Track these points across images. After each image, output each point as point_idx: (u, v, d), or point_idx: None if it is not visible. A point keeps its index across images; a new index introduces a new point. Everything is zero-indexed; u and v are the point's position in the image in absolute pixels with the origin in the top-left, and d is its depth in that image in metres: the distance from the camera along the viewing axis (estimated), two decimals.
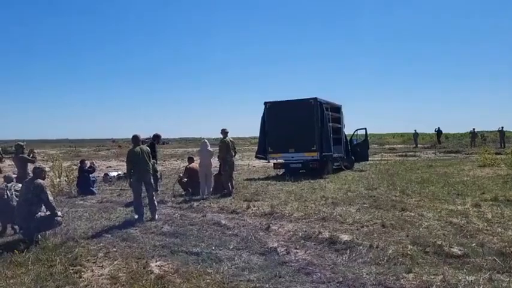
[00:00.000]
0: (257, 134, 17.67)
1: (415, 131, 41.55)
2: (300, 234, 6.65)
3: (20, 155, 10.13)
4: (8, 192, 7.43)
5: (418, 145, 39.77)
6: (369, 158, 20.37)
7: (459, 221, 7.07)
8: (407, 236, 6.24)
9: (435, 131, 41.37)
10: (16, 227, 7.50)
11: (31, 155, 10.44)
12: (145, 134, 11.29)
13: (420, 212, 7.99)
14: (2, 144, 10.53)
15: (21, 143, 10.45)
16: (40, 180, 6.74)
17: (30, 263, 5.53)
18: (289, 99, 16.44)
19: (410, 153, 29.42)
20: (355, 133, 20.24)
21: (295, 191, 11.47)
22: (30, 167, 10.09)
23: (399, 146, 42.70)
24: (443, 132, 42.83)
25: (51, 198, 6.75)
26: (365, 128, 19.55)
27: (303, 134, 15.66)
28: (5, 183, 7.73)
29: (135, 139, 8.65)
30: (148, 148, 8.88)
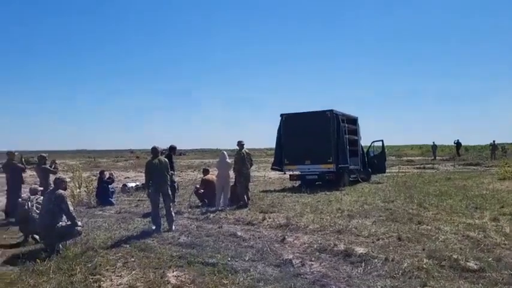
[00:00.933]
0: (273, 146, 17.77)
1: (434, 142, 41.12)
2: (315, 246, 6.68)
3: (42, 166, 10.41)
4: (29, 203, 7.67)
5: (437, 157, 39.29)
6: (386, 170, 20.25)
7: (476, 235, 7.00)
8: (424, 249, 6.21)
9: (454, 143, 40.86)
10: (37, 236, 7.71)
11: (53, 166, 10.73)
12: (162, 145, 11.49)
13: (437, 225, 7.93)
14: (24, 155, 10.87)
15: (44, 154, 10.74)
16: (61, 191, 6.93)
17: (51, 271, 5.69)
18: (305, 111, 16.54)
19: (428, 166, 29.09)
20: (372, 145, 20.17)
21: (311, 203, 11.49)
22: (51, 177, 10.38)
23: (417, 158, 42.26)
24: (462, 144, 42.26)
25: (71, 208, 6.94)
26: (382, 140, 19.49)
27: (319, 146, 15.69)
28: (29, 194, 7.98)
29: (154, 150, 8.82)
30: (166, 159, 9.04)
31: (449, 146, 50.66)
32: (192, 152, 70.50)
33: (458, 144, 40.51)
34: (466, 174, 20.60)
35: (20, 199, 8.25)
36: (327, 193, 13.67)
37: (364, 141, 19.45)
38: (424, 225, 7.94)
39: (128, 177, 24.08)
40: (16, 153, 10.83)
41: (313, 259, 6.02)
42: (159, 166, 8.62)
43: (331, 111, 15.76)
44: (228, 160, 11.84)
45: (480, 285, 4.69)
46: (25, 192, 9.42)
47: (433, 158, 39.03)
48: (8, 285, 5.24)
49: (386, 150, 20.68)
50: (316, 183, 16.14)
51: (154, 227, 8.48)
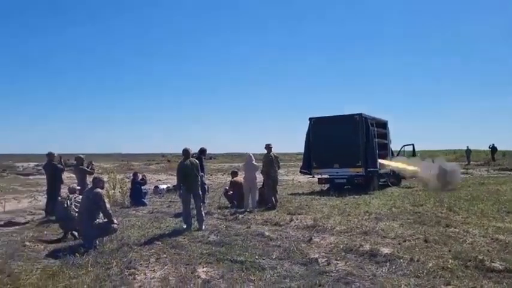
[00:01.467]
0: (302, 150, 17.87)
1: (468, 147, 40.11)
2: (341, 246, 6.80)
3: (80, 167, 10.93)
4: (68, 201, 8.12)
5: (471, 162, 38.29)
6: None
7: (505, 238, 6.94)
8: (450, 251, 6.23)
9: (489, 147, 39.74)
10: (76, 233, 8.15)
11: (90, 167, 11.24)
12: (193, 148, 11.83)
13: (466, 228, 7.88)
14: (63, 157, 11.46)
15: (81, 156, 11.27)
16: (99, 190, 7.33)
17: (89, 265, 6.05)
18: (333, 115, 16.61)
19: (462, 171, 28.42)
20: (403, 149, 19.98)
21: (339, 205, 11.55)
22: (89, 178, 10.89)
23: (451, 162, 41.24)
24: (498, 149, 41.02)
25: (108, 206, 7.33)
26: (412, 144, 19.29)
27: (348, 150, 15.70)
28: (68, 193, 8.45)
29: (186, 152, 9.12)
30: (197, 161, 9.33)
31: (484, 151, 49.22)
32: (221, 156, 71.19)
33: (493, 148, 39.37)
34: (501, 179, 20.09)
35: (59, 198, 8.72)
36: (356, 197, 13.68)
37: (395, 145, 19.32)
38: (452, 228, 7.91)
39: (160, 180, 24.70)
40: (56, 155, 11.40)
41: (338, 258, 6.14)
42: (190, 167, 8.92)
43: (360, 114, 15.76)
44: (255, 162, 12.05)
45: (504, 284, 4.71)
46: (64, 192, 9.94)
47: (467, 163, 38.04)
48: (51, 277, 5.61)
49: (418, 154, 20.44)
50: (345, 187, 16.13)
51: (185, 226, 8.79)
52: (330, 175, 16.50)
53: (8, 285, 5.32)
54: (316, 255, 6.29)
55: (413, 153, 19.59)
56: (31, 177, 28.51)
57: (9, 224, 10.05)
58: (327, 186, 16.89)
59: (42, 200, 14.79)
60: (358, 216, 9.68)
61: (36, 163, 36.67)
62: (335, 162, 16.08)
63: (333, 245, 6.97)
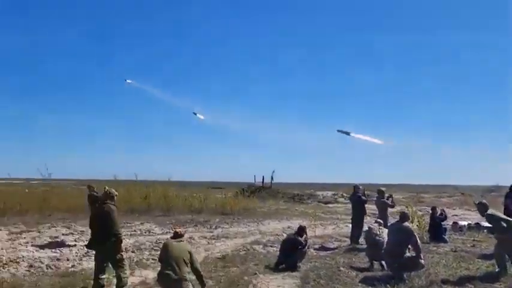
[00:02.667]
0: None
1: None
2: None
3: (382, 199, 11.49)
4: (379, 231, 8.62)
5: None
6: None
7: None
8: None
9: None
10: (384, 263, 8.53)
11: (390, 200, 11.67)
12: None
13: None
14: (366, 189, 12.36)
15: (382, 189, 11.85)
16: (408, 224, 7.53)
17: None
18: None
19: None
20: None
21: None
22: (389, 210, 11.33)
23: None
24: None
25: (419, 242, 7.42)
26: None
27: None
28: (377, 224, 9.00)
29: None
30: None
31: None
32: None
33: None
34: None
35: (368, 227, 9.34)
36: None
37: None
38: None
39: (456, 215, 23.04)
40: (361, 187, 12.34)
41: None
42: None
43: None
44: None
45: None
46: (368, 222, 10.62)
47: None
48: None
49: None
50: None
51: (497, 269, 7.94)
52: None
53: None
54: None
55: None
56: (330, 205, 31.40)
57: (322, 248, 11.39)
58: None
59: (343, 227, 16.15)
60: None
61: (333, 192, 40.24)
62: None
63: None
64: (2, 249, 10.38)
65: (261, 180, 35.93)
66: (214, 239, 12.97)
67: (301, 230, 9.04)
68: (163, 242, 11.25)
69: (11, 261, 9.13)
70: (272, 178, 36.53)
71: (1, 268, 8.62)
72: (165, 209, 20.43)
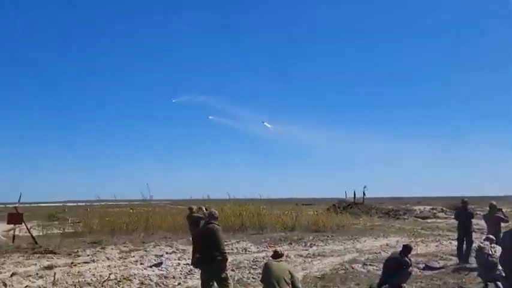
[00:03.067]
0: None
1: None
2: None
3: (496, 214, 10.62)
4: (491, 250, 7.91)
5: None
6: None
7: None
8: None
9: None
10: (499, 284, 7.79)
11: (503, 215, 10.75)
12: None
13: None
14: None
15: (494, 203, 10.96)
16: None
17: None
18: None
19: None
20: None
21: None
22: (503, 225, 10.39)
23: None
24: None
25: None
26: None
27: None
28: (487, 242, 8.27)
29: None
30: None
31: None
32: None
33: None
34: None
35: (479, 246, 8.60)
36: None
37: None
38: None
39: None
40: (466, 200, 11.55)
41: None
42: None
43: None
44: None
45: None
46: (477, 239, 9.80)
47: None
48: None
49: None
50: None
51: None
52: None
53: None
54: None
55: None
56: (429, 220, 29.46)
57: (426, 267, 10.71)
58: None
59: (447, 244, 15.07)
60: None
61: (431, 206, 37.82)
62: None
63: None
64: (115, 267, 11.20)
65: (353, 196, 34.93)
66: (310, 257, 12.82)
67: (407, 249, 8.38)
68: (260, 260, 11.53)
69: (124, 278, 9.79)
70: (364, 193, 35.39)
71: (116, 285, 9.30)
72: (257, 227, 20.61)
